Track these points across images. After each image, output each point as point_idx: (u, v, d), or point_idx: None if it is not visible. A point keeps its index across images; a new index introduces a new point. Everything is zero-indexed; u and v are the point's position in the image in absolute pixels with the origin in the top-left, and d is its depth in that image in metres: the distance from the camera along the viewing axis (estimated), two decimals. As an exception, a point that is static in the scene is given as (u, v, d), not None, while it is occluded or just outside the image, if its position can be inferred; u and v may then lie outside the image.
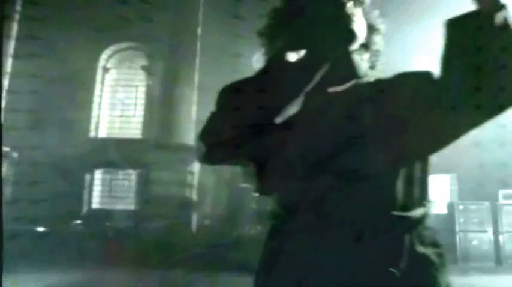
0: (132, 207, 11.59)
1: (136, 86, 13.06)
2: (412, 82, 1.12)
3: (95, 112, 12.79)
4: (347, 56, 1.17)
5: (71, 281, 6.64)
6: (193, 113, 10.42)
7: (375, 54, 1.24)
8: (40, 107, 10.96)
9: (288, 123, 1.08)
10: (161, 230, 8.54)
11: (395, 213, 1.06)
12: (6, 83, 8.03)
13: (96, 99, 12.85)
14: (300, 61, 1.12)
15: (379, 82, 1.18)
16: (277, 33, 1.22)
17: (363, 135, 1.06)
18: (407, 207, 1.08)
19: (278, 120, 1.08)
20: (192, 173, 9.96)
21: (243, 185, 9.63)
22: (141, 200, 11.00)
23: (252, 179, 1.19)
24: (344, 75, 1.16)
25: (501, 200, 9.21)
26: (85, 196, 11.84)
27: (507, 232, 8.96)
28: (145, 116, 12.51)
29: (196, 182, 10.05)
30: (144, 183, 10.91)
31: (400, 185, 1.08)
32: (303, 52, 1.13)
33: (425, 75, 1.11)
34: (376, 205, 1.04)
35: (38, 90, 9.96)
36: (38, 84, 10.06)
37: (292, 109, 1.09)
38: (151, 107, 11.82)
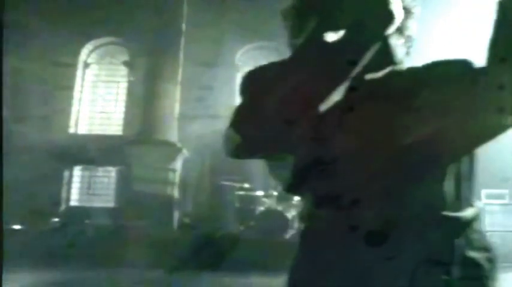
0: (111, 205, 11.43)
1: (118, 82, 12.89)
2: (453, 72, 1.03)
3: (75, 108, 12.58)
4: (384, 40, 1.05)
5: (47, 281, 6.46)
6: (176, 109, 10.30)
7: (409, 40, 1.12)
8: (19, 102, 10.70)
9: (333, 114, 0.97)
10: (141, 229, 8.41)
11: (445, 213, 0.97)
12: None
13: (76, 95, 12.64)
14: (340, 42, 1.00)
15: (416, 71, 1.08)
16: (309, 12, 1.06)
17: (408, 130, 0.96)
18: (455, 207, 0.99)
19: (321, 110, 0.96)
20: (174, 170, 9.83)
21: (226, 183, 9.56)
22: (121, 197, 10.86)
23: (280, 175, 1.09)
24: (381, 60, 1.05)
25: (484, 200, 9.28)
26: (63, 193, 11.64)
27: (489, 231, 9.02)
28: (126, 112, 12.35)
29: (178, 180, 9.92)
30: (124, 180, 10.78)
31: (448, 183, 0.99)
32: (342, 32, 0.99)
33: (468, 65, 1.02)
34: (424, 205, 0.95)
35: (17, 84, 9.73)
36: (16, 78, 9.83)
37: (336, 97, 0.98)
38: (133, 103, 11.66)
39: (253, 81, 1.09)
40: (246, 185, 9.38)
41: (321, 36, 0.97)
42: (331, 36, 0.96)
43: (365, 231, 0.95)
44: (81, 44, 12.71)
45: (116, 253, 7.57)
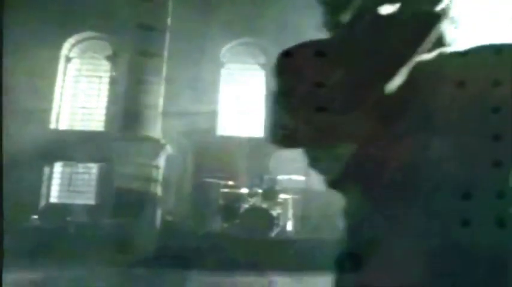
0: (92, 202, 11.24)
1: (100, 77, 12.70)
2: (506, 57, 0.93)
3: (56, 103, 12.34)
4: (435, 18, 0.96)
5: (26, 280, 6.26)
6: (160, 105, 10.15)
7: (454, 21, 1.03)
8: (-3, 96, 10.43)
9: (395, 98, 0.86)
10: (123, 227, 8.25)
11: None
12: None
13: (57, 90, 12.41)
14: (395, 16, 0.89)
15: (465, 54, 0.98)
16: None
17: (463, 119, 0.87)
18: None
19: (381, 93, 0.85)
20: (157, 167, 9.68)
21: (210, 180, 9.45)
22: (102, 194, 10.70)
23: (326, 168, 0.98)
24: (431, 40, 0.96)
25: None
26: (43, 190, 11.42)
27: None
28: (108, 107, 12.16)
29: (161, 177, 9.77)
30: (105, 177, 10.62)
31: None
32: (398, 5, 0.90)
33: None
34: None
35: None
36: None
37: (398, 80, 0.87)
38: (116, 99, 11.48)
39: (302, 63, 0.97)
40: (231, 183, 9.29)
41: (375, 10, 0.87)
42: (387, 8, 0.86)
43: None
44: (63, 38, 12.49)
45: (96, 251, 7.42)
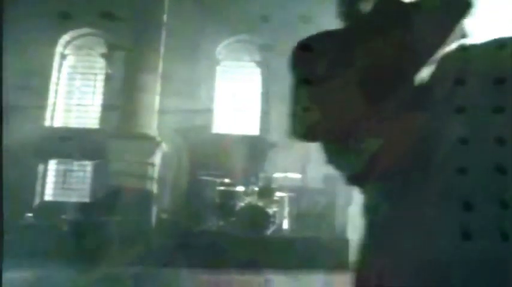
0: (87, 200, 11.18)
1: (95, 74, 12.63)
2: None
3: (50, 100, 12.26)
4: (467, 7, 0.91)
5: (19, 279, 6.21)
6: (156, 102, 10.11)
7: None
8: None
9: (422, 90, 0.83)
10: (118, 225, 8.21)
11: None
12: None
13: (52, 87, 12.32)
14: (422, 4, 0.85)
15: (484, 46, 0.95)
16: None
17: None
18: None
19: (409, 85, 0.82)
20: (152, 165, 9.64)
21: (206, 178, 9.42)
22: (97, 192, 10.64)
23: (346, 163, 0.94)
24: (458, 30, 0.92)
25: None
26: (37, 188, 11.35)
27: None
28: (103, 105, 12.10)
29: (156, 175, 9.72)
30: (100, 175, 10.56)
31: None
32: None
33: None
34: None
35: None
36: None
37: (429, 70, 0.84)
38: (111, 96, 11.42)
39: (326, 53, 0.93)
40: (227, 181, 9.26)
41: None
42: None
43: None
44: (58, 35, 12.40)
45: (92, 249, 7.38)
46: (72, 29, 12.41)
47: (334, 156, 0.98)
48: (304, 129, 0.93)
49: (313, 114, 0.89)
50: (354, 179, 0.98)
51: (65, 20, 11.29)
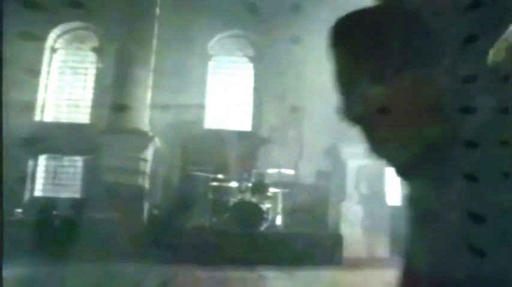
0: (77, 195, 11.07)
1: (86, 69, 12.49)
2: None
3: (40, 95, 12.12)
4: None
5: (9, 276, 6.12)
6: (148, 97, 10.01)
7: None
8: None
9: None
10: (110, 221, 8.13)
11: None
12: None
13: (42, 81, 12.18)
14: None
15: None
16: None
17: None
18: None
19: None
20: (145, 160, 9.55)
21: (199, 173, 9.35)
22: (88, 188, 10.54)
23: (395, 153, 0.87)
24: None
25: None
26: (27, 183, 11.21)
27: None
28: (94, 100, 11.98)
29: (149, 170, 9.63)
30: (91, 170, 10.45)
31: None
32: None
33: None
34: None
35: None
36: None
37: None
38: (102, 91, 11.30)
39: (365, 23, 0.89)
40: (220, 176, 9.19)
41: None
42: None
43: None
44: (48, 29, 12.24)
45: (82, 245, 7.31)
46: (62, 22, 12.26)
47: (382, 143, 0.91)
48: (356, 112, 0.87)
49: (375, 99, 0.83)
50: (404, 169, 0.91)
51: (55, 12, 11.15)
